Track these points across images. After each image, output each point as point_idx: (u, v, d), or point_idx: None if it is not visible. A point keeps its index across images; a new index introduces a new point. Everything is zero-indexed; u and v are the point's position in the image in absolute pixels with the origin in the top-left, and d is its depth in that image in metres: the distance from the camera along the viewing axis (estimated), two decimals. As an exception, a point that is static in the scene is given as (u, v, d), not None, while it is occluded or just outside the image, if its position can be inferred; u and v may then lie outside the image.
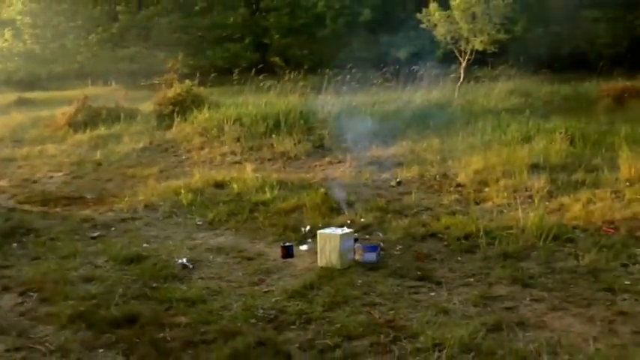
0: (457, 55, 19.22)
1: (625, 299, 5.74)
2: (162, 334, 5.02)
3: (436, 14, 18.83)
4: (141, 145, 13.59)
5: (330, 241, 6.55)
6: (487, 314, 5.44)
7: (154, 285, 6.11)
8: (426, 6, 19.82)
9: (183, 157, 12.89)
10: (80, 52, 26.38)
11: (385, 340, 4.95)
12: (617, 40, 24.53)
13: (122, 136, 14.31)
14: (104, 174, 11.42)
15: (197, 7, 29.97)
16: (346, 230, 6.87)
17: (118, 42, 26.91)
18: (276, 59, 31.07)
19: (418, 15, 19.54)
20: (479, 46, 18.27)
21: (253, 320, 5.33)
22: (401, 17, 27.99)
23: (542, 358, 4.61)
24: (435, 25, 19.02)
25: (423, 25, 19.45)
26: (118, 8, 29.75)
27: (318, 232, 6.82)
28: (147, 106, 17.05)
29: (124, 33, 27.20)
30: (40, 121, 17.19)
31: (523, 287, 6.10)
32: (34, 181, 11.03)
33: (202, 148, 13.26)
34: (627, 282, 6.09)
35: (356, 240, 6.95)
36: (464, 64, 19.01)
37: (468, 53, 18.79)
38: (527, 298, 5.84)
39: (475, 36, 18.26)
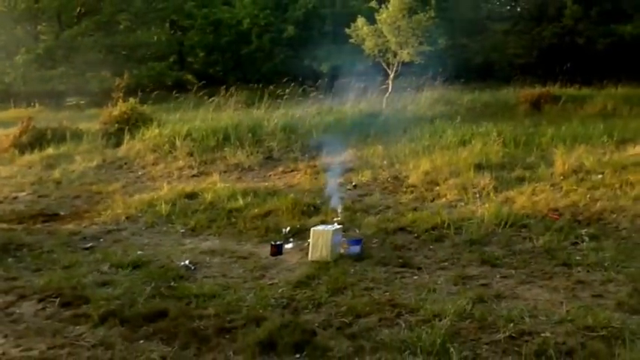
0: (385, 67, 20.33)
1: (580, 271, 6.78)
2: (195, 324, 5.62)
3: (364, 28, 19.90)
4: (94, 163, 13.85)
5: (323, 237, 7.30)
6: (468, 290, 6.31)
7: (167, 285, 6.66)
8: (347, 22, 20.93)
9: (140, 173, 13.26)
10: (7, 74, 26.01)
11: (391, 315, 5.73)
12: (526, 51, 26.37)
13: (73, 155, 14.51)
14: (68, 191, 11.68)
15: (121, 26, 30.07)
16: (337, 226, 7.63)
17: (43, 63, 26.67)
18: (189, 77, 31.53)
19: (347, 30, 20.53)
20: (406, 58, 19.42)
21: (270, 308, 6.00)
22: (323, 32, 29.09)
23: (525, 320, 5.51)
24: (364, 39, 20.08)
25: (352, 40, 20.46)
26: (40, 28, 29.50)
27: (312, 229, 7.56)
28: (85, 126, 17.25)
29: (50, 53, 26.96)
30: (-23, 145, 17.08)
31: (492, 267, 7.07)
32: (0, 202, 11.21)
33: (156, 164, 13.67)
34: (578, 257, 7.16)
35: (340, 236, 7.72)
36: (392, 75, 20.13)
37: (395, 65, 19.94)
38: (498, 276, 6.79)
39: (401, 48, 19.41)
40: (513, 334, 5.22)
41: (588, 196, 9.14)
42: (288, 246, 8.04)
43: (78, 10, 28.94)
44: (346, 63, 27.68)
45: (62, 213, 10.20)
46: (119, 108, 16.06)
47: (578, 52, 24.57)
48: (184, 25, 32.66)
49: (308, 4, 28.61)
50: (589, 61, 23.88)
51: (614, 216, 8.40)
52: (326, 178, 11.28)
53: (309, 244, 7.60)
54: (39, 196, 11.41)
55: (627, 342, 4.98)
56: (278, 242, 7.90)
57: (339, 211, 8.96)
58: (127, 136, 15.10)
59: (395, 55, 19.70)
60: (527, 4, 27.83)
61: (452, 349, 4.95)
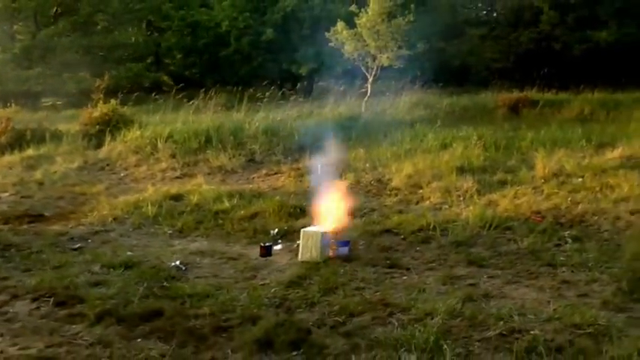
0: (364, 70, 20.49)
1: (564, 271, 6.98)
2: (191, 323, 5.68)
3: (344, 32, 20.03)
4: (76, 164, 13.81)
5: (313, 238, 7.41)
6: (457, 290, 6.46)
7: (160, 285, 6.70)
8: (326, 25, 21.07)
9: (122, 175, 13.26)
10: (-15, 74, 25.77)
11: (383, 314, 5.85)
12: (503, 56, 26.72)
13: (53, 156, 14.42)
14: (51, 192, 11.62)
15: (98, 27, 29.90)
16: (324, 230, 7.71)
17: (20, 62, 26.42)
18: (166, 78, 31.47)
19: (327, 34, 20.63)
20: (385, 62, 19.60)
21: (264, 307, 6.09)
22: (301, 36, 29.16)
23: (514, 318, 5.67)
24: (343, 43, 20.21)
25: (331, 44, 20.57)
26: (16, 28, 29.20)
27: (302, 230, 7.66)
28: (64, 127, 17.16)
29: (26, 53, 26.72)
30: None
31: (479, 268, 7.24)
32: (-18, 203, 11.13)
33: (139, 166, 13.67)
34: (562, 258, 7.37)
35: (329, 237, 7.82)
36: (371, 79, 20.30)
37: (375, 69, 20.12)
38: (485, 276, 6.96)
39: (381, 52, 19.60)
40: (504, 332, 5.37)
41: (569, 199, 9.38)
42: (277, 247, 8.13)
43: (55, 10, 28.66)
44: (325, 66, 27.89)
45: (47, 214, 10.15)
46: (99, 109, 16.01)
47: (554, 57, 24.98)
48: (161, 26, 32.53)
49: (287, 8, 28.64)
50: (565, 67, 24.30)
51: (596, 218, 8.64)
52: (310, 181, 11.36)
53: (298, 245, 7.71)
54: (22, 197, 11.34)
55: (614, 339, 5.17)
56: (267, 244, 7.99)
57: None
58: (107, 138, 15.06)
59: (374, 59, 19.87)
60: (504, 10, 28.25)
61: (445, 347, 5.08)
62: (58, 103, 27.07)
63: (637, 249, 7.35)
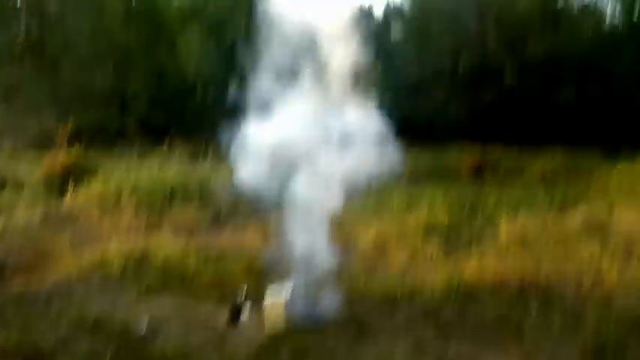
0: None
1: (531, 339, 7.11)
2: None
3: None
4: (38, 215, 13.54)
5: (276, 309, 7.47)
6: (426, 357, 6.53)
7: (129, 346, 6.64)
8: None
9: (86, 227, 13.01)
10: (-58, 113, 25.31)
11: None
12: (466, 113, 27.07)
13: (14, 206, 14.16)
14: (14, 244, 11.40)
15: (64, 69, 29.67)
16: (288, 291, 7.74)
17: (-20, 103, 26.15)
18: (132, 125, 31.34)
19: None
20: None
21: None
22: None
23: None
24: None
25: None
26: (-22, 66, 28.90)
27: (264, 303, 7.67)
28: (25, 168, 16.92)
29: (-12, 93, 26.51)
30: None
31: (447, 335, 7.29)
32: (-61, 253, 10.83)
33: (103, 219, 13.45)
34: (528, 326, 7.47)
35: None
36: (337, 134, 20.47)
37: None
38: (454, 344, 7.01)
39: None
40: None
41: (533, 265, 9.52)
42: (246, 307, 8.05)
43: (20, 50, 28.49)
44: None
45: (8, 267, 9.93)
46: (62, 157, 15.82)
47: (517, 115, 25.41)
48: (128, 71, 32.43)
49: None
50: (528, 124, 24.70)
51: (559, 285, 8.79)
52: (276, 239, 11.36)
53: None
54: (-19, 249, 11.09)
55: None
56: (236, 308, 7.88)
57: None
58: (70, 188, 14.87)
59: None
60: (468, 67, 28.74)
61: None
62: (19, 145, 26.71)
63: (600, 317, 7.54)
